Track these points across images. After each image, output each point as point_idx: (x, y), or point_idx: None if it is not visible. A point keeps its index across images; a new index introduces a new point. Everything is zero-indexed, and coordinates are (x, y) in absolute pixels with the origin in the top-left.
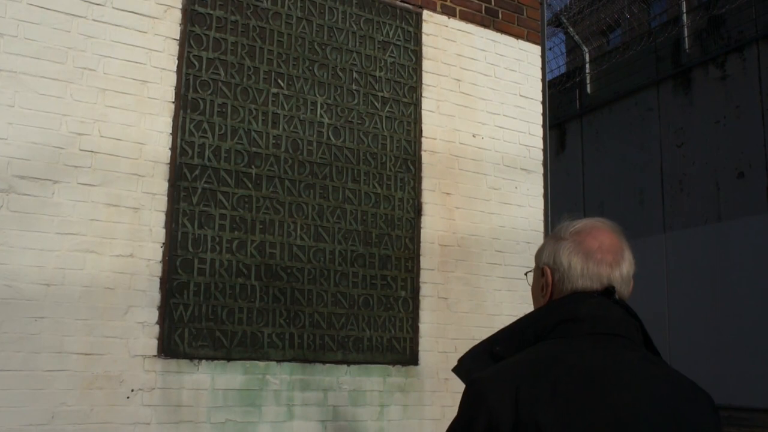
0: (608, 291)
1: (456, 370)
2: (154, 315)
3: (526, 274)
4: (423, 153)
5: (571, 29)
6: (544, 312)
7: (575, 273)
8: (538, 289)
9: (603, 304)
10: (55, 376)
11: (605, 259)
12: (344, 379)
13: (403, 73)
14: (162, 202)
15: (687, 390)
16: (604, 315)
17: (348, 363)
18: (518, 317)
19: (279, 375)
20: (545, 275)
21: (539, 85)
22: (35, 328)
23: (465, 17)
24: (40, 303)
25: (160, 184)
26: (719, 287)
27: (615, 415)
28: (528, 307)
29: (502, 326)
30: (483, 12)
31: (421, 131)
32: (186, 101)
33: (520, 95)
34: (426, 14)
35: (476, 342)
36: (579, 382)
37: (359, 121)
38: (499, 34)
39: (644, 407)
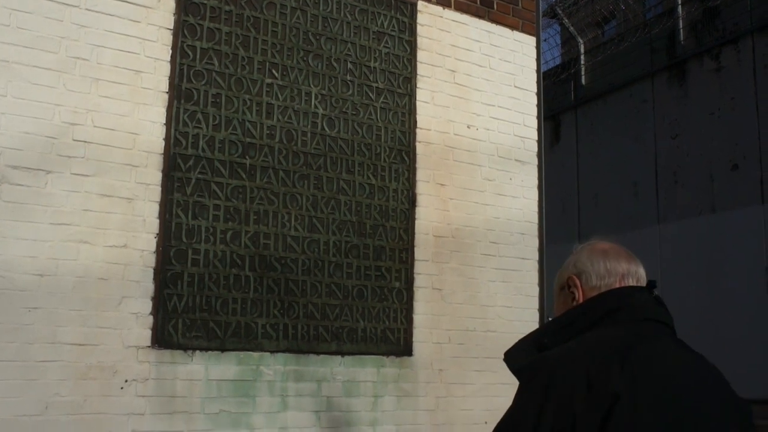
0: (651, 285)
1: (508, 361)
2: (147, 306)
3: (506, 359)
4: (417, 144)
5: (566, 20)
6: (589, 305)
7: (600, 269)
8: (567, 302)
9: (645, 296)
10: (48, 367)
11: (621, 255)
12: (338, 369)
13: (397, 64)
14: (156, 193)
15: (718, 371)
16: (646, 304)
17: (342, 354)
18: (506, 305)
19: (273, 366)
20: (573, 283)
21: (534, 77)
22: (29, 318)
23: (460, 8)
24: (33, 293)
25: (153, 175)
26: (713, 279)
27: (673, 382)
28: (521, 297)
29: (496, 317)
30: (478, 3)
31: (415, 122)
32: (180, 91)
33: (515, 86)
34: (421, 5)
35: (470, 333)
36: (643, 357)
37: (354, 112)
38: (494, 25)
39: (708, 386)
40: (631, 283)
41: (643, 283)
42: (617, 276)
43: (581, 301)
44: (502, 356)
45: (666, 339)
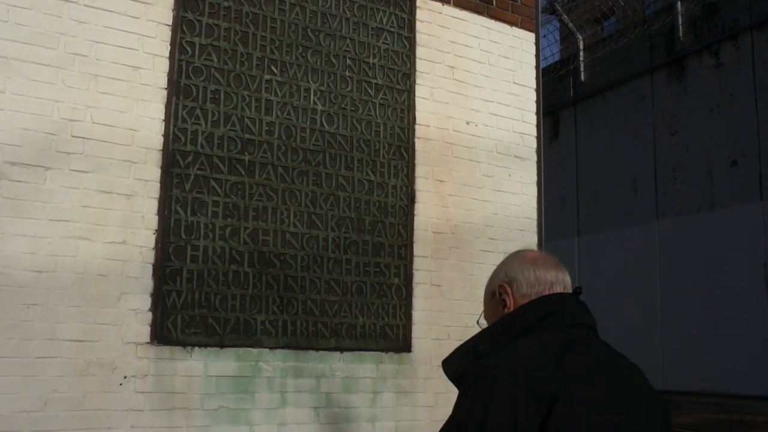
0: (576, 291)
1: (446, 370)
2: (146, 302)
3: (477, 322)
4: (416, 140)
5: (566, 16)
6: (522, 312)
7: (530, 278)
8: (498, 309)
9: (574, 302)
10: (47, 363)
11: (549, 264)
12: (337, 366)
13: (396, 60)
14: (155, 189)
15: (642, 375)
16: (578, 310)
17: (341, 350)
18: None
19: (272, 362)
20: (504, 291)
21: (533, 73)
22: (27, 315)
23: (459, 4)
24: (32, 290)
25: (152, 171)
26: (712, 275)
27: (605, 384)
28: None
29: None
30: None
31: (414, 118)
32: (179, 87)
33: (514, 82)
34: (420, 1)
35: (469, 329)
36: (577, 360)
37: (353, 108)
38: (493, 21)
39: (635, 384)
40: (558, 290)
41: (570, 290)
42: (546, 284)
43: (512, 308)
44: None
45: (596, 342)
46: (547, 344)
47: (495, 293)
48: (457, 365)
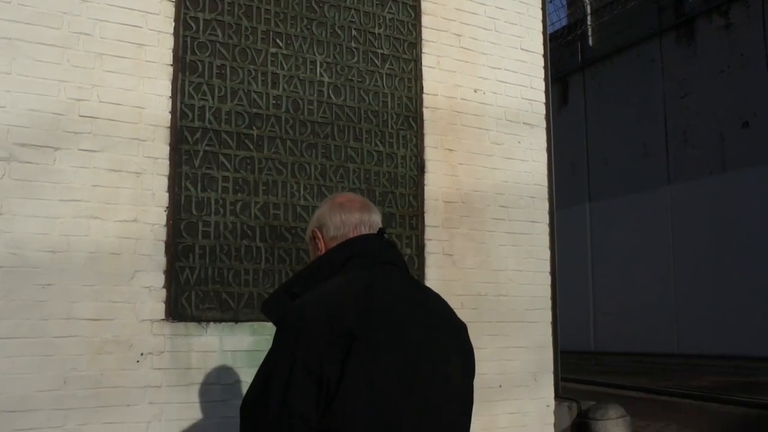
0: (381, 231)
1: (265, 313)
2: (160, 279)
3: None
4: (424, 109)
5: None
6: (329, 254)
7: (336, 221)
8: (315, 252)
9: (378, 241)
10: (64, 342)
11: (354, 206)
12: None
13: (402, 29)
14: (164, 166)
15: (441, 302)
16: (382, 249)
17: None
18: (517, 269)
19: None
20: (316, 236)
21: (540, 38)
22: (43, 295)
23: None
24: (46, 270)
25: (161, 148)
26: (725, 238)
27: (400, 316)
28: (532, 260)
29: (508, 281)
30: None
31: (422, 88)
32: (184, 64)
33: (521, 49)
34: None
35: (482, 297)
36: (375, 296)
37: (359, 79)
38: None
39: (417, 310)
40: (363, 232)
41: (376, 230)
42: (351, 226)
43: (323, 251)
44: (261, 308)
45: (395, 279)
46: (348, 284)
47: (311, 238)
48: (274, 308)
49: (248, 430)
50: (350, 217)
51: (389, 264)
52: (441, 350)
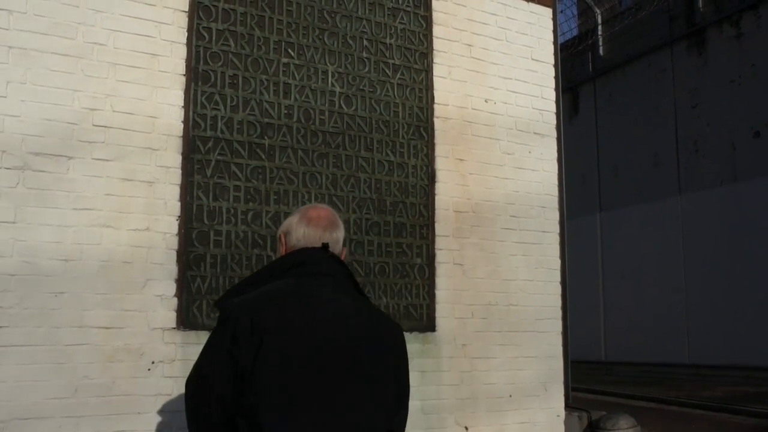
0: (324, 246)
1: (216, 307)
2: (171, 288)
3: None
4: (435, 119)
5: None
6: (279, 261)
7: (299, 234)
8: (279, 251)
9: (319, 254)
10: (76, 350)
11: (320, 224)
12: None
13: (413, 40)
14: (176, 175)
15: (371, 311)
16: (319, 261)
17: None
18: (528, 279)
19: None
20: (280, 240)
21: (551, 48)
22: (55, 303)
23: None
24: (59, 278)
25: (173, 158)
26: (736, 247)
27: (313, 318)
28: (543, 270)
29: (518, 291)
30: None
31: (433, 98)
32: (197, 74)
33: (532, 59)
34: None
35: (493, 307)
36: (291, 300)
37: (371, 89)
38: None
39: (333, 312)
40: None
41: (333, 248)
42: (310, 240)
43: (282, 254)
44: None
45: (323, 288)
46: (278, 289)
47: (278, 238)
48: (221, 303)
49: (186, 403)
50: (313, 234)
51: (325, 275)
52: (344, 355)
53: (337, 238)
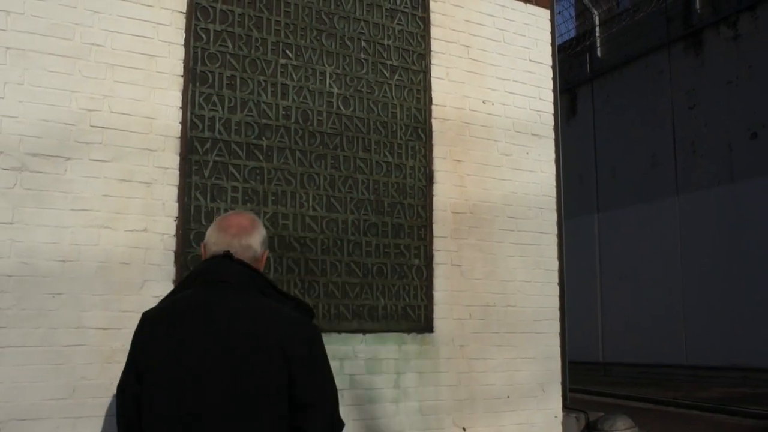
0: (227, 254)
1: None
2: (169, 289)
3: None
4: (433, 120)
5: None
6: (192, 270)
7: (211, 242)
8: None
9: (220, 262)
10: (74, 351)
11: (230, 232)
12: (360, 347)
13: (411, 41)
14: (174, 176)
15: (260, 312)
16: (218, 269)
17: (363, 332)
18: (525, 280)
19: None
20: (202, 249)
21: (549, 50)
22: (53, 304)
23: None
24: (56, 279)
25: (171, 158)
26: (733, 248)
27: (195, 326)
28: (540, 271)
29: (516, 292)
30: None
31: (430, 99)
32: (195, 74)
33: (530, 60)
34: None
35: (490, 308)
36: (178, 309)
37: (368, 90)
38: None
39: (217, 323)
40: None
41: (242, 254)
42: (221, 248)
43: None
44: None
45: (221, 296)
46: (180, 296)
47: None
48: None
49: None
50: (222, 241)
51: (223, 282)
52: (220, 368)
53: (247, 243)
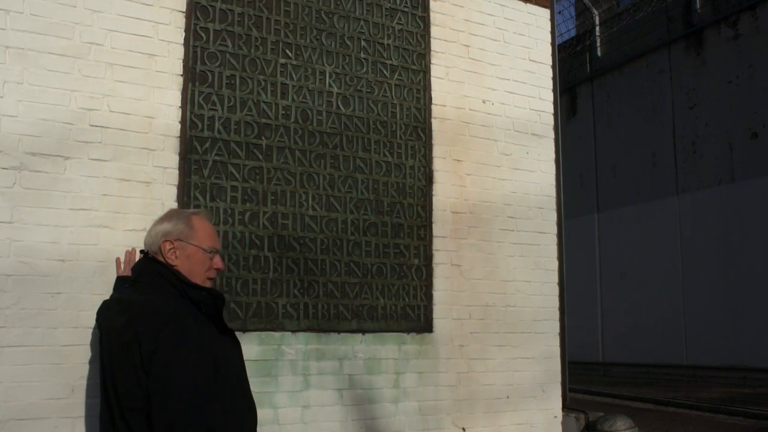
0: (143, 252)
1: None
2: None
3: None
4: (433, 120)
5: None
6: None
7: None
8: None
9: (139, 261)
10: (73, 351)
11: (155, 226)
12: (359, 347)
13: (411, 40)
14: (173, 176)
15: (140, 310)
16: (136, 269)
17: (363, 332)
18: (525, 279)
19: (294, 345)
20: None
21: (549, 49)
22: (52, 303)
23: None
24: (55, 279)
25: (171, 158)
26: (734, 248)
27: (107, 321)
28: (540, 271)
29: (516, 292)
30: None
31: (430, 98)
32: (194, 74)
33: (530, 60)
34: None
35: (490, 308)
36: (115, 304)
37: (368, 90)
38: None
39: (113, 317)
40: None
41: (153, 243)
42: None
43: None
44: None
45: (127, 294)
46: (116, 291)
47: None
48: None
49: None
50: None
51: (136, 281)
52: (109, 364)
53: (156, 231)
